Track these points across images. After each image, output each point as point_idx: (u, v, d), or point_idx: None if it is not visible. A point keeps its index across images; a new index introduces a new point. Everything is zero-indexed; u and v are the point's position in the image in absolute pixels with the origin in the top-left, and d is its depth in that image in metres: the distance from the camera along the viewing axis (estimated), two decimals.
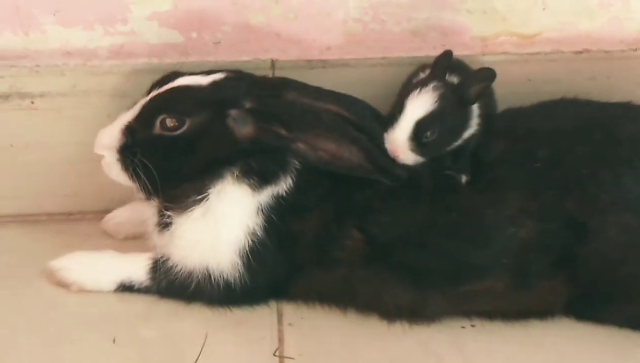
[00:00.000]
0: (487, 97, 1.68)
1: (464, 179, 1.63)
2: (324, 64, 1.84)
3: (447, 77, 1.65)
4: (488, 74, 1.61)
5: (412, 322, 1.65)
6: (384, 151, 1.61)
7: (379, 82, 1.83)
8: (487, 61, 1.80)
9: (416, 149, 1.60)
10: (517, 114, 1.75)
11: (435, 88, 1.59)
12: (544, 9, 1.86)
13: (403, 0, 1.83)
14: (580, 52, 1.86)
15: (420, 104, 1.59)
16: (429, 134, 1.59)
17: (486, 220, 1.60)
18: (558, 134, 1.66)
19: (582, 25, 1.88)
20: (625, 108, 1.74)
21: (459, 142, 1.64)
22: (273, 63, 1.83)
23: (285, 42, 1.85)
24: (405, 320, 1.65)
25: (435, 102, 1.58)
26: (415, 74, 1.77)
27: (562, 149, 1.64)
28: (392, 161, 1.60)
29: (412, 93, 1.59)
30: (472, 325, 1.66)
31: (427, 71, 1.70)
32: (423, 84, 1.60)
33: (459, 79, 1.66)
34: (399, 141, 1.59)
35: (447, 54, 1.66)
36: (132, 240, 1.82)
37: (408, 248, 1.61)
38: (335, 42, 1.86)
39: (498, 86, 1.71)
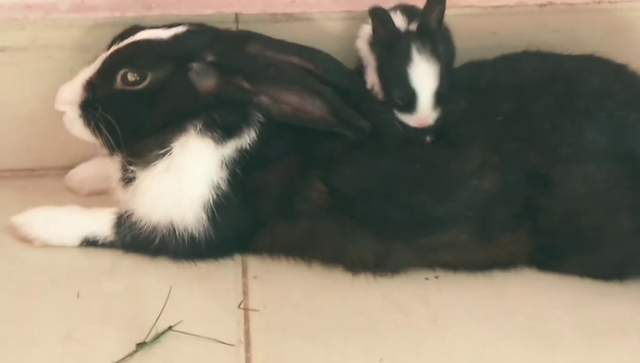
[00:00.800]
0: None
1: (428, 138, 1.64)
2: (288, 17, 1.82)
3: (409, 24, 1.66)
4: None
5: (376, 274, 1.66)
6: (347, 103, 1.60)
7: (344, 36, 1.81)
8: (451, 14, 1.76)
9: (440, 107, 1.62)
10: (479, 67, 1.74)
11: (425, 50, 1.60)
12: None
13: None
14: (544, 5, 1.85)
15: (428, 78, 1.60)
16: (443, 91, 1.61)
17: (449, 173, 1.61)
18: (520, 87, 1.66)
19: None
20: (587, 60, 1.74)
21: None
22: (237, 17, 1.80)
23: None
24: (369, 272, 1.65)
25: (437, 61, 1.60)
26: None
27: (524, 101, 1.64)
28: (356, 114, 1.59)
29: (413, 71, 1.59)
30: (436, 277, 1.67)
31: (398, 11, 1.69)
32: (415, 53, 1.60)
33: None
34: (428, 115, 1.61)
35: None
36: (96, 196, 1.80)
37: (372, 200, 1.61)
38: None
39: (463, 40, 1.71)
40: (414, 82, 1.61)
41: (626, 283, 1.66)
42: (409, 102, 1.61)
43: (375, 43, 1.68)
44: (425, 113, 1.61)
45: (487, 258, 1.66)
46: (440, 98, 1.61)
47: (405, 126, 1.63)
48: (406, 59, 1.61)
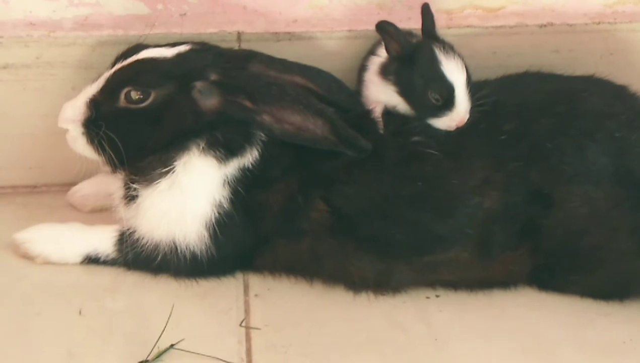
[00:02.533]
0: None
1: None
2: (290, 36, 1.82)
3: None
4: (426, 8, 1.68)
5: (377, 293, 1.66)
6: (349, 122, 1.60)
7: (345, 55, 1.83)
8: (452, 34, 1.79)
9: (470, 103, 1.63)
10: (482, 87, 1.73)
11: (445, 49, 1.63)
12: None
13: None
14: (544, 25, 1.86)
15: (457, 70, 1.62)
16: (470, 83, 1.64)
17: (451, 191, 1.61)
18: (523, 107, 1.67)
19: None
20: (588, 81, 1.75)
21: None
22: (239, 35, 1.81)
23: (251, 14, 1.83)
24: (370, 291, 1.66)
25: (459, 58, 1.63)
26: (373, 48, 1.77)
27: (526, 121, 1.64)
28: (357, 133, 1.60)
29: (445, 68, 1.61)
30: (437, 296, 1.67)
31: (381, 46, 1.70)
32: (439, 52, 1.62)
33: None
34: (467, 111, 1.62)
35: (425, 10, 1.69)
36: (99, 213, 1.81)
37: (373, 219, 1.61)
38: (301, 14, 1.85)
39: (464, 59, 1.70)
40: (450, 77, 1.61)
41: (626, 303, 1.66)
42: (448, 98, 1.61)
43: (389, 62, 1.68)
44: (465, 105, 1.61)
45: (488, 276, 1.66)
46: (470, 91, 1.62)
47: (414, 134, 1.64)
48: (435, 60, 1.62)
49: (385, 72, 1.69)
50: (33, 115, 1.81)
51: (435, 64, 1.62)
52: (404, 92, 1.66)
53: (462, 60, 1.64)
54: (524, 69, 1.77)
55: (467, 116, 1.62)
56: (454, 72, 1.62)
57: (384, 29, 1.65)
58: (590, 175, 1.61)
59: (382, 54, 1.71)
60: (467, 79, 1.62)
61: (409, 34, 1.70)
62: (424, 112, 1.64)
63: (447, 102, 1.61)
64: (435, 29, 1.68)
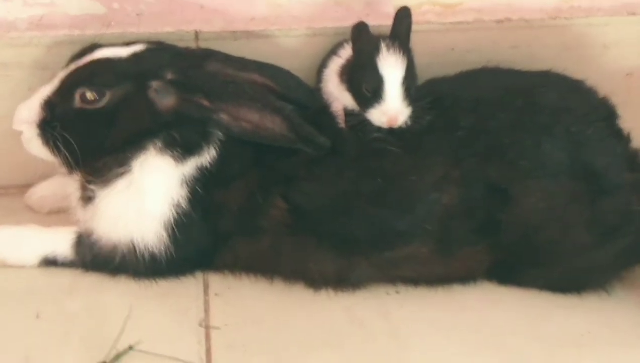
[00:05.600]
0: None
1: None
2: (248, 35, 1.81)
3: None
4: (405, 12, 1.65)
5: (337, 289, 1.65)
6: (307, 119, 1.60)
7: (304, 53, 1.82)
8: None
9: (408, 103, 1.61)
10: (441, 83, 1.74)
11: (394, 47, 1.61)
12: None
13: None
14: (502, 21, 1.86)
15: (395, 67, 1.60)
16: (410, 87, 1.61)
17: (410, 187, 1.61)
18: (480, 103, 1.67)
19: None
20: (545, 76, 1.75)
21: None
22: (197, 34, 1.79)
23: (209, 12, 1.82)
24: (330, 288, 1.65)
25: (403, 57, 1.61)
26: (335, 49, 1.76)
27: (484, 117, 1.64)
28: (315, 130, 1.59)
29: (381, 62, 1.60)
30: (397, 292, 1.67)
31: (347, 45, 1.70)
32: (384, 48, 1.61)
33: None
34: (397, 108, 1.60)
35: (404, 13, 1.66)
36: (56, 214, 1.78)
37: (333, 216, 1.61)
38: (259, 12, 1.84)
39: (422, 56, 1.70)
40: (381, 70, 1.60)
41: (584, 296, 1.67)
42: (377, 90, 1.60)
43: (347, 64, 1.68)
44: (393, 102, 1.60)
45: (448, 272, 1.66)
46: (407, 92, 1.61)
47: (374, 131, 1.62)
48: (375, 52, 1.61)
49: (342, 72, 1.69)
50: None
51: (372, 57, 1.61)
52: (349, 86, 1.65)
53: (409, 59, 1.63)
54: (483, 64, 1.77)
55: (400, 115, 1.61)
56: (389, 66, 1.60)
57: (359, 28, 1.65)
58: (547, 169, 1.61)
59: (343, 55, 1.71)
60: (406, 77, 1.61)
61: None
62: (361, 104, 1.63)
63: (375, 94, 1.60)
64: (407, 33, 1.66)
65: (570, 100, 1.69)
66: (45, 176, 1.81)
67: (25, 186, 1.84)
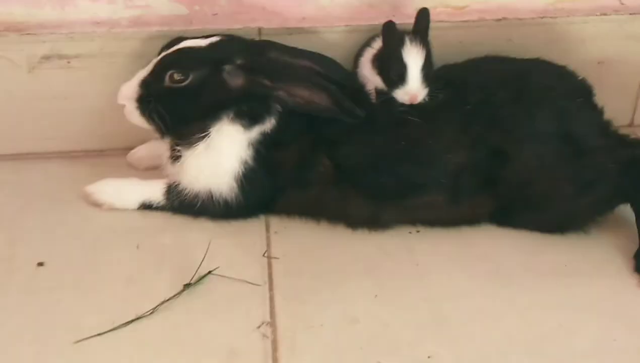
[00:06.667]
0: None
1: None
2: (300, 31, 1.75)
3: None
4: (424, 12, 1.59)
5: (370, 229, 1.60)
6: (346, 96, 1.53)
7: (344, 45, 1.75)
8: None
9: (426, 85, 1.56)
10: (452, 68, 1.68)
11: (415, 41, 1.56)
12: None
13: None
14: (500, 20, 1.79)
15: (416, 57, 1.55)
16: (428, 73, 1.56)
17: (428, 149, 1.55)
18: (484, 83, 1.60)
19: None
20: (535, 63, 1.68)
21: None
22: (260, 30, 1.73)
23: (269, 13, 1.76)
24: (365, 228, 1.60)
25: (423, 49, 1.56)
26: (368, 41, 1.69)
27: (487, 94, 1.57)
28: (353, 104, 1.53)
29: (405, 53, 1.55)
30: (417, 231, 1.61)
31: (378, 39, 1.64)
32: (408, 42, 1.56)
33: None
34: (417, 89, 1.55)
35: (424, 13, 1.60)
36: (151, 171, 1.72)
37: (367, 171, 1.55)
38: (308, 13, 1.78)
39: (437, 48, 1.63)
40: (405, 59, 1.55)
41: (566, 235, 1.60)
42: (401, 75, 1.55)
43: (378, 53, 1.63)
44: (414, 85, 1.55)
45: (458, 216, 1.60)
46: (426, 77, 1.55)
47: (399, 106, 1.57)
48: (400, 44, 1.56)
49: (374, 60, 1.63)
50: (99, 94, 1.73)
51: (398, 49, 1.55)
52: (379, 71, 1.60)
53: (428, 50, 1.57)
54: (485, 54, 1.70)
55: (419, 94, 1.55)
56: (411, 56, 1.55)
57: (388, 26, 1.58)
58: (538, 136, 1.54)
59: (375, 47, 1.65)
60: (424, 65, 1.55)
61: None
62: (389, 85, 1.57)
63: (400, 78, 1.55)
64: (426, 29, 1.60)
65: (556, 81, 1.62)
66: (142, 141, 1.76)
67: (127, 148, 1.78)
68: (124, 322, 1.38)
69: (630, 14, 1.81)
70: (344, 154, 1.56)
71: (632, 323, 1.40)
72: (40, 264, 1.51)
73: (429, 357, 1.34)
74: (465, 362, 1.34)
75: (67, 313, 1.41)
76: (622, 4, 1.84)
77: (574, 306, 1.44)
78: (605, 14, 1.82)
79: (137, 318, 1.39)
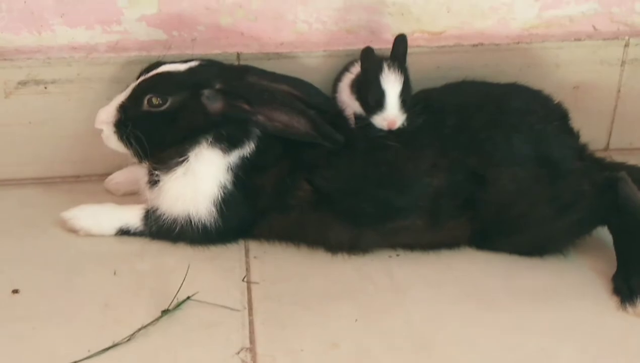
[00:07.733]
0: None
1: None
2: (278, 56, 1.76)
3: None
4: (402, 38, 1.62)
5: (350, 253, 1.60)
6: (325, 120, 1.55)
7: (322, 70, 1.77)
8: None
9: (404, 111, 1.57)
10: (430, 93, 1.69)
11: (393, 66, 1.58)
12: (448, 11, 1.82)
13: (340, 5, 1.78)
14: (477, 45, 1.81)
15: (394, 83, 1.56)
16: (406, 98, 1.57)
17: (407, 173, 1.56)
18: (462, 107, 1.62)
19: (477, 25, 1.84)
20: (512, 87, 1.71)
21: None
22: (238, 55, 1.75)
23: (247, 38, 1.78)
24: (345, 252, 1.60)
25: (400, 75, 1.57)
26: (347, 66, 1.71)
27: (465, 118, 1.59)
28: (332, 129, 1.54)
29: (383, 79, 1.56)
30: (397, 255, 1.61)
31: (356, 64, 1.65)
32: (386, 68, 1.57)
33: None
34: (395, 115, 1.56)
35: (401, 39, 1.62)
36: (129, 196, 1.73)
37: (346, 196, 1.56)
38: (287, 38, 1.80)
39: (415, 72, 1.65)
40: (383, 85, 1.56)
41: (545, 258, 1.60)
42: (379, 101, 1.56)
43: (356, 78, 1.64)
44: (392, 111, 1.56)
45: (437, 239, 1.60)
46: (404, 103, 1.57)
47: (378, 131, 1.58)
48: (378, 70, 1.58)
49: (352, 85, 1.64)
50: (76, 119, 1.74)
51: (376, 75, 1.57)
52: (357, 96, 1.61)
53: (406, 76, 1.59)
54: (462, 79, 1.72)
55: (397, 120, 1.56)
56: (389, 82, 1.56)
57: (366, 51, 1.60)
58: (515, 159, 1.56)
59: (353, 72, 1.67)
60: (402, 91, 1.57)
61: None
62: (367, 111, 1.59)
63: (378, 104, 1.56)
64: (403, 55, 1.62)
65: (532, 105, 1.64)
66: (120, 166, 1.76)
67: (104, 174, 1.78)
68: (100, 349, 1.36)
69: (604, 39, 1.85)
70: (323, 178, 1.56)
71: (612, 346, 1.41)
72: (15, 291, 1.49)
73: None
74: None
75: (43, 340, 1.39)
76: (596, 29, 1.88)
77: (554, 329, 1.44)
78: (579, 40, 1.85)
79: (114, 346, 1.37)
